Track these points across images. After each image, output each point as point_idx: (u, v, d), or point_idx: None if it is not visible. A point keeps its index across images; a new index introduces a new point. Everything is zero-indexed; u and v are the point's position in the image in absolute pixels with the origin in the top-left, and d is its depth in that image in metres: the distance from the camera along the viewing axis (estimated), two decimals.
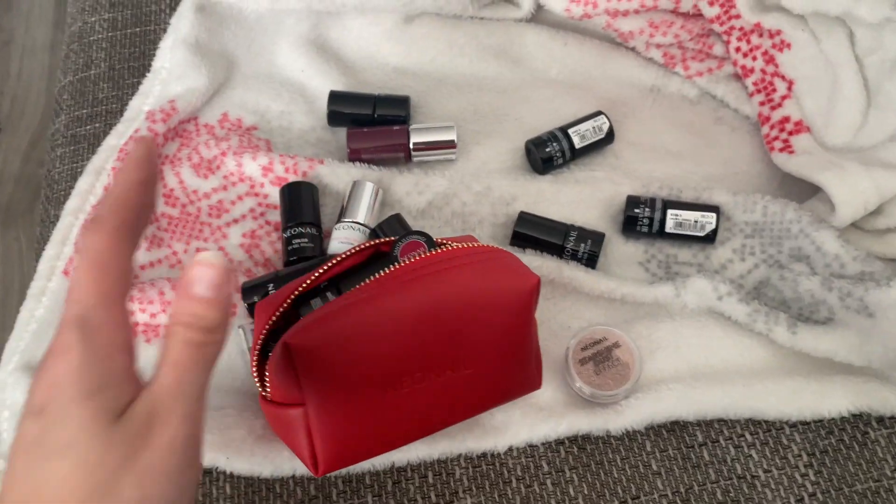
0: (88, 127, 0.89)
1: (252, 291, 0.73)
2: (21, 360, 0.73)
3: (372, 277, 0.63)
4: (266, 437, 0.68)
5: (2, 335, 1.52)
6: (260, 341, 0.64)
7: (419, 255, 0.63)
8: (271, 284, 0.73)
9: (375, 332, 0.60)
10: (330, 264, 0.66)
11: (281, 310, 0.64)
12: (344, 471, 0.68)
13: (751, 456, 0.70)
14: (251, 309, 0.73)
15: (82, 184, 0.82)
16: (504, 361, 0.64)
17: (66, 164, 0.87)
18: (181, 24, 0.88)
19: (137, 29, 0.95)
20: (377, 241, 0.67)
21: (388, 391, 0.61)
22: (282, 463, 0.67)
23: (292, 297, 0.65)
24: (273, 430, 0.66)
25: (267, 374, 0.63)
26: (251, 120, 0.87)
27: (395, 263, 0.63)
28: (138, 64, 0.92)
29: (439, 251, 0.64)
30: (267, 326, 0.64)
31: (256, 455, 0.67)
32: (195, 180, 0.83)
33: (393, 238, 0.66)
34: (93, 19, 0.97)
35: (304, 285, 0.65)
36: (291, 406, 0.62)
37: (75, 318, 0.41)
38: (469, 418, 0.66)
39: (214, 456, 0.66)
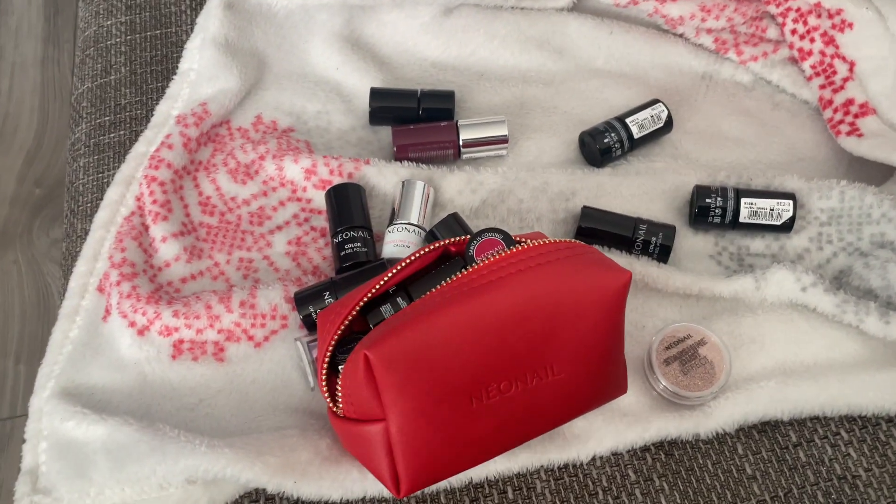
0: (112, 135, 0.84)
1: (307, 301, 0.68)
2: (57, 385, 0.67)
3: (447, 280, 0.58)
4: (332, 459, 0.63)
5: (2, 363, 1.46)
6: (328, 353, 0.59)
7: (498, 253, 0.59)
8: (327, 293, 0.68)
9: (459, 339, 0.55)
10: (398, 268, 0.61)
11: (350, 318, 0.59)
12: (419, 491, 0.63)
13: (849, 455, 0.66)
14: (307, 321, 0.68)
15: (112, 194, 0.77)
16: (597, 364, 0.59)
17: (91, 174, 0.82)
18: (209, 23, 0.83)
19: (157, 31, 0.90)
20: (446, 242, 0.62)
21: (473, 402, 0.56)
22: (351, 485, 0.62)
23: (361, 304, 0.60)
24: (346, 448, 0.61)
25: (339, 388, 0.58)
26: (287, 122, 0.82)
27: (473, 264, 0.58)
28: (161, 67, 0.87)
29: (519, 248, 0.59)
30: (335, 337, 0.59)
31: (325, 478, 0.62)
32: (233, 186, 0.78)
33: (462, 238, 0.62)
34: (108, 22, 0.92)
35: (373, 291, 0.60)
36: (369, 422, 0.57)
37: None
38: (558, 426, 0.61)
39: (280, 481, 0.60)
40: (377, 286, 0.60)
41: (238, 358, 0.69)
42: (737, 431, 0.66)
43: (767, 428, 0.67)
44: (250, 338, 0.69)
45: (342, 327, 0.59)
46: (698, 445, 0.66)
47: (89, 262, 0.73)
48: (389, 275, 0.61)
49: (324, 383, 0.59)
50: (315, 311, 0.67)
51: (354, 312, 0.60)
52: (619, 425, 0.65)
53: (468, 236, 0.61)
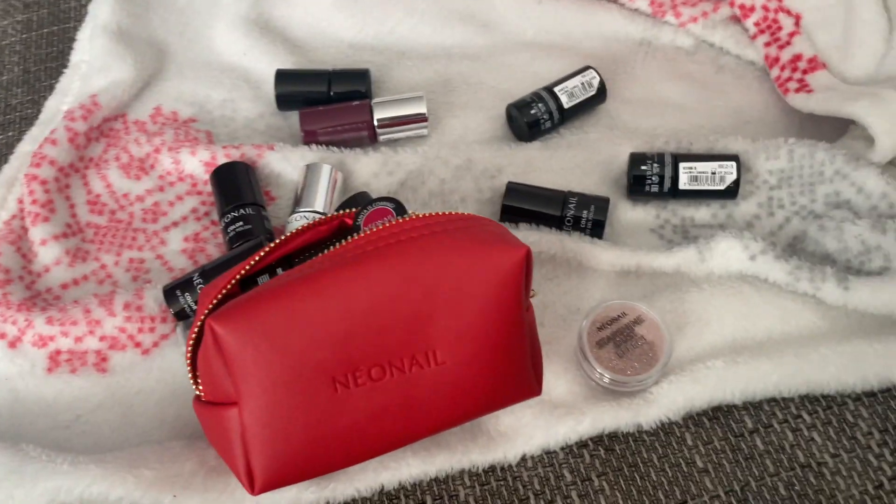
0: (0, 137, 0.77)
1: (175, 291, 0.61)
2: None
3: (325, 252, 0.51)
4: (222, 469, 0.55)
5: None
6: (196, 328, 0.51)
7: (386, 223, 0.52)
8: (198, 277, 0.61)
9: (322, 314, 0.48)
10: (280, 240, 0.54)
11: (224, 292, 0.52)
12: (322, 499, 0.55)
13: (813, 439, 0.58)
14: (181, 316, 0.61)
15: None
16: (489, 353, 0.51)
17: None
18: (100, 10, 0.77)
19: (55, 27, 0.84)
20: (341, 213, 0.55)
21: (338, 387, 0.49)
22: (242, 497, 0.54)
23: (239, 276, 0.52)
24: (209, 440, 0.53)
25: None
26: (189, 112, 0.75)
27: (356, 234, 0.52)
28: (56, 64, 0.81)
29: (410, 217, 0.52)
30: (206, 311, 0.51)
31: (211, 490, 0.54)
32: (125, 182, 0.71)
33: (357, 208, 0.55)
34: (5, 23, 0.85)
35: (252, 264, 0.53)
36: (224, 405, 0.50)
37: None
38: (450, 428, 0.53)
39: (157, 495, 0.53)
40: (257, 258, 0.53)
41: (122, 368, 0.61)
42: (685, 419, 0.59)
43: (719, 414, 0.59)
44: (137, 344, 0.62)
45: (215, 301, 0.52)
46: (642, 438, 0.58)
47: None
48: (270, 247, 0.54)
49: (188, 360, 0.52)
50: (190, 304, 0.60)
51: (230, 286, 0.52)
52: (550, 418, 0.57)
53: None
